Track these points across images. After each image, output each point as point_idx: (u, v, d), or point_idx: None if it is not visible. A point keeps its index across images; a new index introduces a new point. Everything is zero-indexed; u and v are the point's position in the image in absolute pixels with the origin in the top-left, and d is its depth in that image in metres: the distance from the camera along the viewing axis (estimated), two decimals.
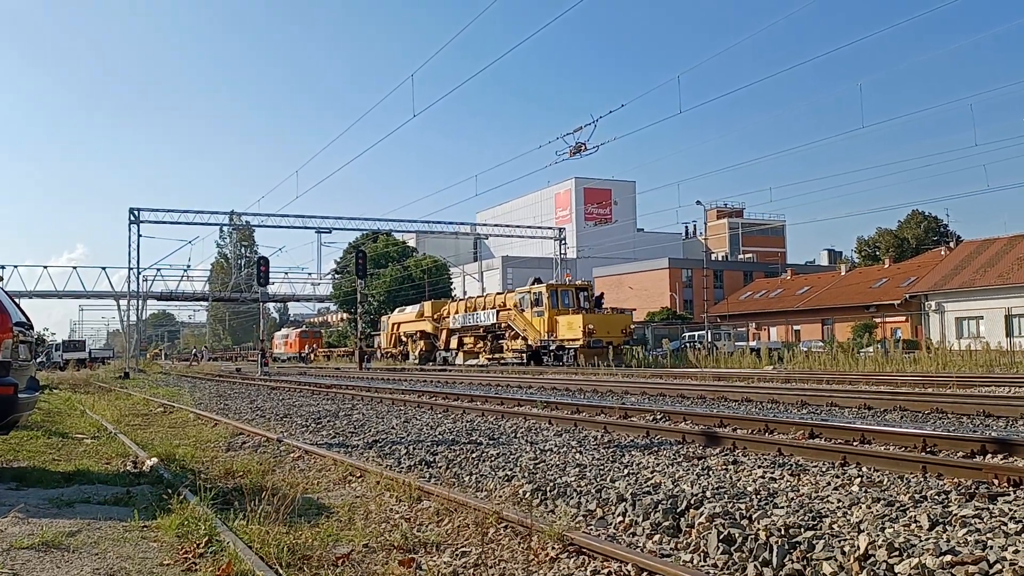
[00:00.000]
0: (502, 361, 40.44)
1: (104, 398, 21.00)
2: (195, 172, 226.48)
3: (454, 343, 46.14)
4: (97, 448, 10.17)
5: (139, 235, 52.71)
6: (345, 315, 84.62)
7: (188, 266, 75.38)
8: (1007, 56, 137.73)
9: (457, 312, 46.07)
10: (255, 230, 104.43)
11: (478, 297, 46.32)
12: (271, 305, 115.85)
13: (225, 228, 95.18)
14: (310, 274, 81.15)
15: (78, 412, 16.20)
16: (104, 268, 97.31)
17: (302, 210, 60.70)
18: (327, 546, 4.85)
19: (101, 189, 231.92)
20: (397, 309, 56.32)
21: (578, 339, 34.84)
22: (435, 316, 48.13)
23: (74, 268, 72.96)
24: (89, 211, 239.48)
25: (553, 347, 36.50)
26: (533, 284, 40.05)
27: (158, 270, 72.90)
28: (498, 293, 44.99)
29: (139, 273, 55.51)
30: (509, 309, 40.56)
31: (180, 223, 54.65)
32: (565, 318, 36.42)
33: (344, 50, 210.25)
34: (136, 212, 52.65)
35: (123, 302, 64.47)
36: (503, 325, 41.09)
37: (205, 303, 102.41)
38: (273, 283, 71.24)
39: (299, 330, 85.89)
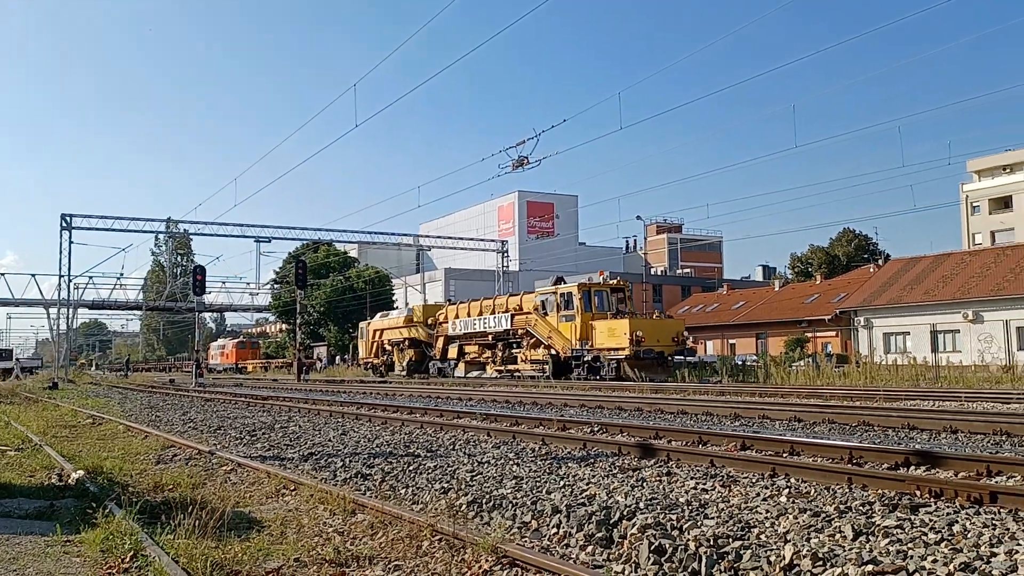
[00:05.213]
0: (517, 373, 35.49)
1: (31, 409, 20.38)
2: (130, 179, 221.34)
3: (453, 352, 40.87)
4: (20, 460, 9.87)
5: (71, 242, 51.24)
6: (284, 326, 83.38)
7: (121, 274, 73.52)
8: (933, 80, 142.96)
9: (458, 317, 40.52)
10: (192, 238, 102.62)
11: (485, 299, 40.04)
12: (207, 315, 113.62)
13: (161, 236, 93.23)
14: (248, 284, 79.93)
15: (2, 423, 15.67)
16: (34, 275, 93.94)
17: (241, 219, 59.81)
18: (257, 561, 4.78)
19: (32, 195, 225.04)
20: (379, 314, 51.77)
21: (623, 348, 29.75)
22: (428, 322, 43.40)
23: (2, 275, 70.32)
24: (19, 217, 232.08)
25: (588, 357, 31.39)
26: (557, 283, 34.96)
27: (90, 278, 70.87)
28: (511, 294, 39.31)
29: (70, 281, 53.90)
30: (528, 313, 35.14)
31: (114, 230, 53.37)
32: (605, 323, 31.25)
33: (287, 57, 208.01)
34: (68, 218, 51.21)
35: (53, 310, 62.48)
36: (519, 332, 35.68)
37: (139, 312, 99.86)
38: (210, 292, 69.77)
39: (236, 341, 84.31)
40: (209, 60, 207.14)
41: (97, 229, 52.74)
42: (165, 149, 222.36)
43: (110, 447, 11.39)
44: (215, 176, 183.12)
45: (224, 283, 79.78)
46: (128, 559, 4.75)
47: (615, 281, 34.75)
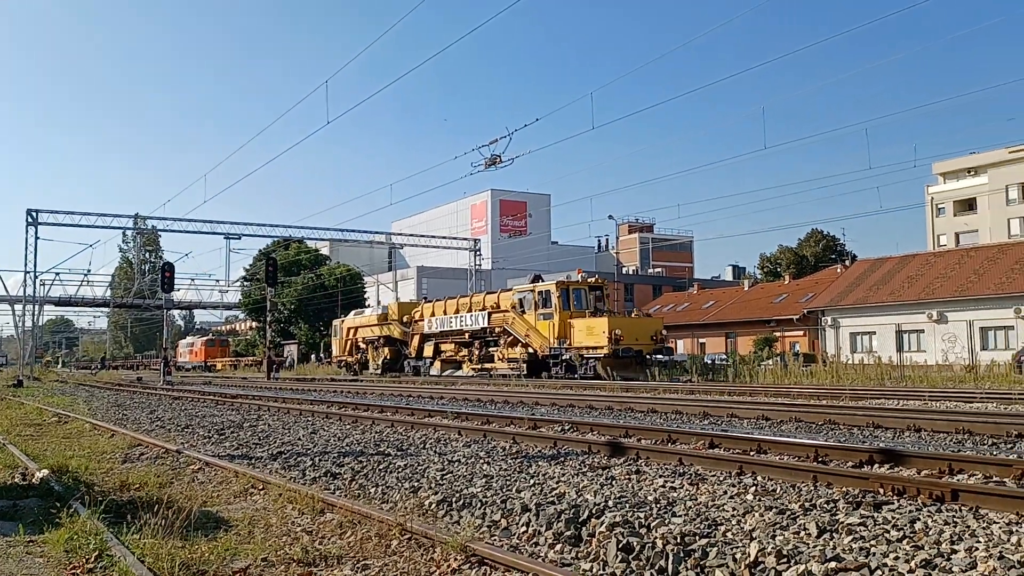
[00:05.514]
0: (494, 372, 34.96)
1: None
2: (98, 173, 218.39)
3: (429, 350, 40.39)
4: None
5: (37, 237, 50.53)
6: (254, 324, 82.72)
7: (88, 270, 72.45)
8: (899, 83, 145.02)
9: (434, 315, 40.10)
10: (160, 235, 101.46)
11: (462, 297, 39.87)
12: (176, 312, 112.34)
13: (129, 232, 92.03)
14: (218, 281, 79.29)
15: None
16: None
17: (210, 215, 59.19)
18: (224, 560, 4.75)
19: None
20: (354, 312, 51.51)
21: (602, 347, 29.47)
22: (404, 319, 42.95)
23: None
24: None
25: (566, 356, 30.97)
26: (535, 281, 34.56)
27: (57, 274, 69.99)
28: (488, 292, 39.05)
29: (36, 277, 53.16)
30: (505, 311, 34.66)
31: (81, 226, 52.58)
32: (583, 322, 30.91)
33: (257, 53, 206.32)
34: (34, 213, 50.43)
35: (18, 307, 61.52)
36: (496, 330, 35.32)
37: (106, 309, 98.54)
38: (178, 290, 69.33)
39: (205, 338, 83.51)
40: (177, 56, 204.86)
41: (64, 225, 51.99)
42: (133, 145, 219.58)
43: (76, 446, 11.25)
44: (184, 173, 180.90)
45: (193, 280, 79.17)
46: (93, 559, 4.70)
47: (593, 279, 34.53)
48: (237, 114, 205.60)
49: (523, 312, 33.63)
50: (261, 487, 7.17)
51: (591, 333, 30.27)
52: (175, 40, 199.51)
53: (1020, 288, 42.10)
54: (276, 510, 6.25)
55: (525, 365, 33.02)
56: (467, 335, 37.49)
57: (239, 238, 56.45)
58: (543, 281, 34.37)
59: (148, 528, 5.06)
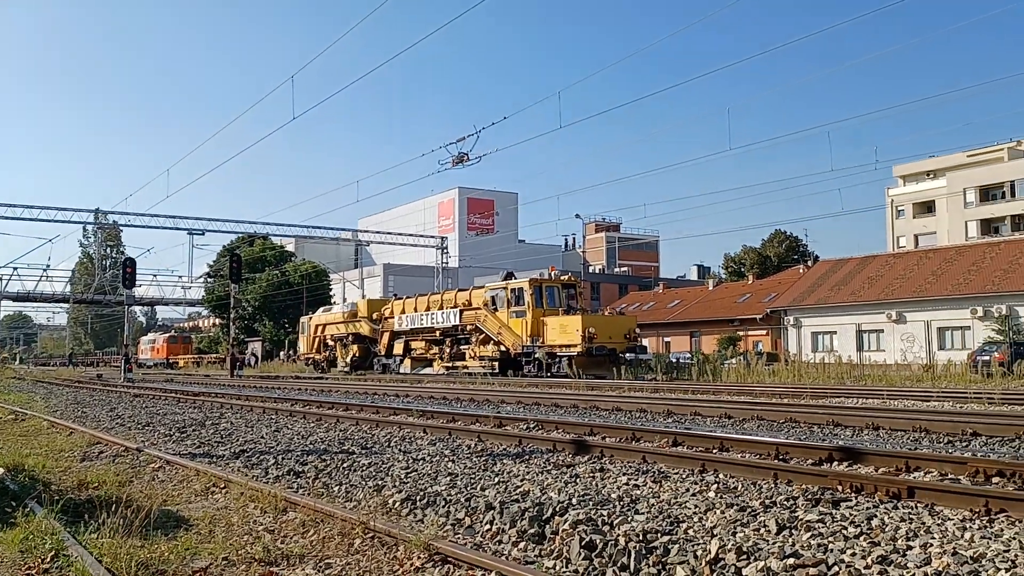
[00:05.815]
0: (463, 370, 34.20)
1: None
2: (56, 166, 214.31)
3: (399, 348, 39.89)
4: None
5: None
6: (218, 320, 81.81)
7: (47, 266, 71.19)
8: (862, 85, 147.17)
9: (404, 312, 39.55)
10: (122, 230, 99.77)
11: (433, 294, 39.44)
12: (137, 309, 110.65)
13: (89, 227, 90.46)
14: (180, 277, 78.15)
15: None
16: None
17: (173, 210, 58.42)
18: (184, 560, 4.71)
19: None
20: (322, 308, 50.87)
21: (575, 345, 29.35)
22: (373, 316, 42.27)
23: None
24: None
25: (538, 354, 30.71)
26: (507, 279, 34.29)
27: (14, 269, 68.58)
28: (460, 290, 38.78)
29: None
30: (477, 308, 34.41)
31: (40, 220, 51.65)
32: (556, 319, 30.78)
33: (225, 47, 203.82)
34: None
35: None
36: (468, 327, 35.12)
37: (66, 305, 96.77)
38: (140, 286, 68.09)
39: (167, 335, 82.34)
40: (147, 49, 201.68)
41: (22, 219, 51.08)
42: (97, 138, 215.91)
43: (32, 444, 11.05)
44: (146, 167, 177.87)
45: (155, 276, 77.93)
46: (49, 559, 4.63)
47: (566, 277, 34.42)
48: (203, 107, 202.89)
49: (495, 310, 33.33)
50: (223, 486, 7.10)
51: (564, 331, 30.15)
52: (156, 27, 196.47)
53: (977, 289, 42.95)
54: (238, 509, 6.20)
55: (496, 363, 32.76)
56: (438, 332, 37.11)
57: (203, 233, 55.91)
58: (516, 279, 34.16)
59: (106, 527, 5.00)
